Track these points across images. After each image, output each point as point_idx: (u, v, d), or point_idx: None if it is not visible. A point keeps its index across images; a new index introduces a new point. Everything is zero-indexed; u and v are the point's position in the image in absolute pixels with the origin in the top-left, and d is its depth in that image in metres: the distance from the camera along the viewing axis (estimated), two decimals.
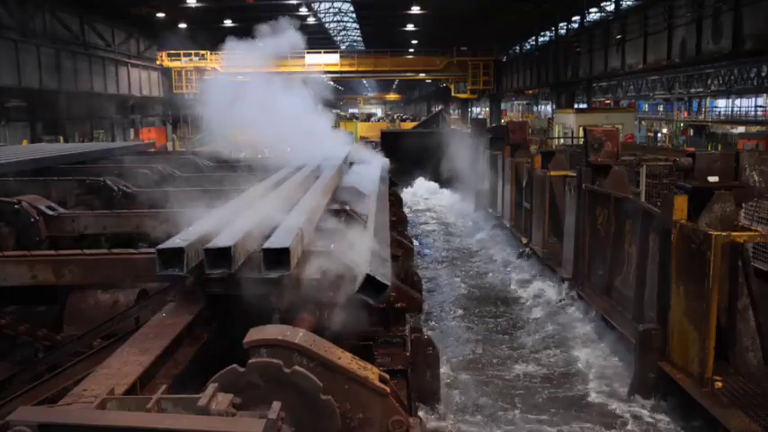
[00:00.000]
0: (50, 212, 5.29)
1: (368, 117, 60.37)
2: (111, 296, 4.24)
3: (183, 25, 36.03)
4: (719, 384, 6.35)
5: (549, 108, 45.25)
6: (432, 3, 34.42)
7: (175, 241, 3.40)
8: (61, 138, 26.33)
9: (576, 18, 32.85)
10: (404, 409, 2.92)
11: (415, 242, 12.50)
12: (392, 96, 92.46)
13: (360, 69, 44.39)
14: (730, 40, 17.65)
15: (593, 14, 32.30)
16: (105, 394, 2.35)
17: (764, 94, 38.31)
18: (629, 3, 28.10)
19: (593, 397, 7.60)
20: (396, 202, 9.49)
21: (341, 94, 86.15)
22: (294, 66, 33.04)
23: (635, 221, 8.55)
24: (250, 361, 2.56)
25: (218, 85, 8.46)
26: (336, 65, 42.65)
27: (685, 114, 43.53)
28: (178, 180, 7.25)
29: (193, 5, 32.54)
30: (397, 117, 57.03)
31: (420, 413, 4.56)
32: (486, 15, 36.28)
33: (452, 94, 49.00)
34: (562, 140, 22.62)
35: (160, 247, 3.35)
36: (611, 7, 29.53)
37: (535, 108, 53.74)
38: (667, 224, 7.14)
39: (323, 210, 5.17)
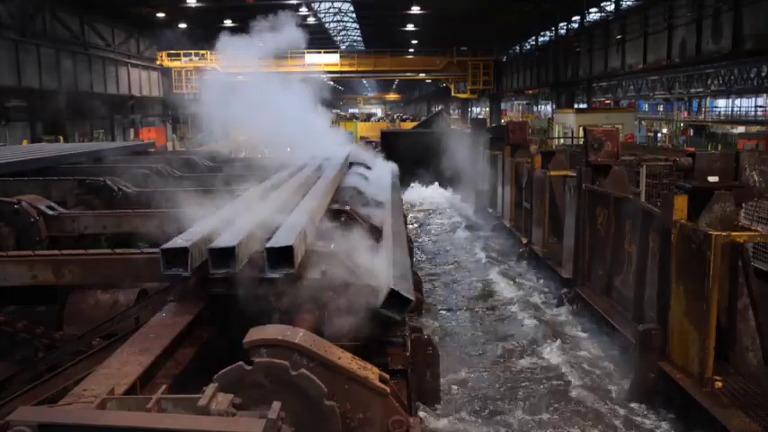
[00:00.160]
0: (50, 212, 5.29)
1: (368, 117, 60.38)
2: (111, 296, 4.24)
3: (183, 25, 36.04)
4: (719, 384, 6.35)
5: (549, 108, 45.27)
6: (432, 3, 34.44)
7: (179, 241, 3.40)
8: (61, 138, 26.35)
9: (576, 18, 32.87)
10: (404, 409, 2.92)
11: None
12: (392, 96, 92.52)
13: (360, 69, 44.40)
14: (730, 40, 17.66)
15: (593, 14, 32.32)
16: (105, 394, 2.35)
17: (764, 94, 38.33)
18: (629, 3, 28.12)
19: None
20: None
21: (341, 94, 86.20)
22: (294, 65, 33.06)
23: (635, 221, 8.55)
24: (257, 360, 2.56)
25: (216, 84, 8.47)
26: (336, 65, 42.66)
27: (685, 114, 43.56)
28: (178, 180, 7.26)
29: (193, 5, 32.56)
30: (397, 117, 57.03)
31: (420, 413, 4.56)
32: (486, 15, 36.30)
33: (452, 94, 49.03)
34: (562, 140, 22.63)
35: (164, 246, 3.35)
36: (611, 7, 29.55)
37: (535, 108, 53.77)
38: (667, 224, 7.14)
39: (325, 209, 5.18)
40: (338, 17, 50.60)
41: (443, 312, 10.79)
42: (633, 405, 7.26)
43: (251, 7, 33.11)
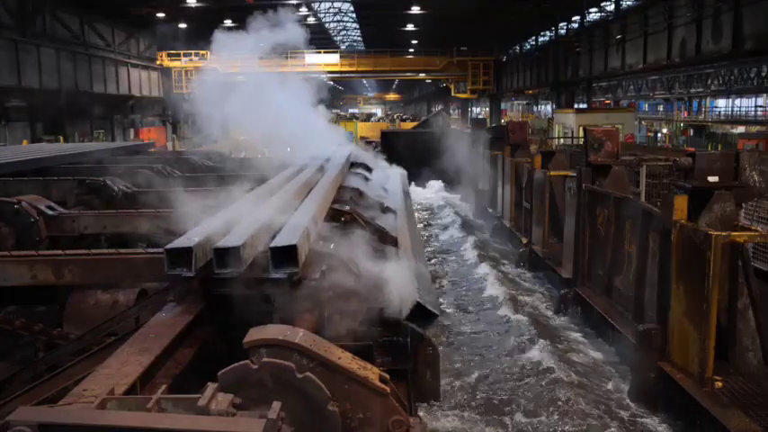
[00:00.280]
0: (50, 212, 5.30)
1: (368, 117, 60.41)
2: (111, 296, 4.25)
3: (183, 25, 36.03)
4: (719, 384, 6.35)
5: (549, 108, 45.27)
6: (432, 3, 34.43)
7: (183, 241, 3.40)
8: (61, 138, 26.34)
9: (576, 18, 32.87)
10: (404, 409, 2.92)
11: None
12: (392, 96, 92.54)
13: (360, 69, 44.40)
14: (730, 40, 17.66)
15: (593, 14, 32.31)
16: (105, 394, 2.35)
17: (764, 94, 38.31)
18: (629, 3, 28.11)
19: None
20: None
21: (341, 93, 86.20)
22: (294, 65, 33.04)
23: (635, 221, 8.55)
24: (264, 360, 2.56)
25: (214, 83, 8.46)
26: (336, 65, 42.65)
27: (685, 114, 43.54)
28: (178, 180, 7.26)
29: (193, 5, 32.55)
30: (397, 117, 57.06)
31: (420, 413, 4.56)
32: (486, 15, 36.30)
33: (452, 94, 49.03)
34: (562, 140, 22.62)
35: (168, 246, 3.35)
36: (611, 7, 29.54)
37: (535, 108, 53.76)
38: (667, 224, 7.14)
39: (327, 210, 5.18)
40: (338, 17, 50.60)
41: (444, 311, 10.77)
42: (633, 405, 7.26)
43: (251, 7, 33.10)
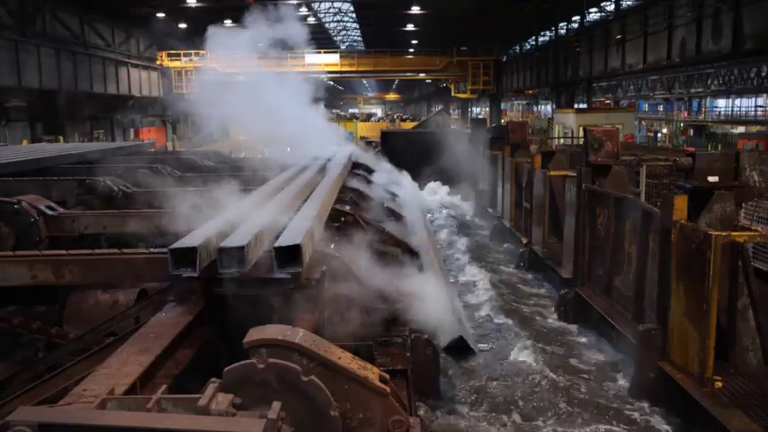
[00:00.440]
0: (50, 212, 5.30)
1: (368, 117, 60.46)
2: (111, 296, 4.25)
3: (183, 25, 36.02)
4: (719, 384, 6.35)
5: (549, 108, 45.28)
6: (432, 3, 34.41)
7: (187, 241, 3.40)
8: (61, 138, 26.34)
9: (576, 18, 32.85)
10: (404, 409, 2.92)
11: None
12: (392, 96, 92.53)
13: (360, 69, 44.38)
14: (730, 40, 17.65)
15: (593, 14, 32.31)
16: (105, 394, 2.35)
17: (764, 94, 38.35)
18: (629, 3, 28.11)
19: None
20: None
21: (341, 93, 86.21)
22: (294, 65, 33.03)
23: (635, 221, 8.55)
24: (270, 360, 2.56)
25: (213, 83, 8.46)
26: (336, 65, 42.64)
27: (685, 114, 43.57)
28: (178, 180, 7.26)
29: (193, 5, 32.52)
30: (397, 117, 57.09)
31: (420, 413, 4.56)
32: (486, 15, 36.28)
33: (452, 94, 49.01)
34: (562, 140, 22.62)
35: (173, 246, 3.35)
36: (611, 7, 29.54)
37: (535, 108, 53.77)
38: (667, 224, 7.14)
39: (329, 209, 5.19)
40: (338, 17, 50.59)
41: None
42: (633, 405, 7.25)
43: (251, 7, 33.07)
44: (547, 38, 38.05)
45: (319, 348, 2.77)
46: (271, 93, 8.45)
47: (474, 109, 62.43)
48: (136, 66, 38.28)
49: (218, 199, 4.99)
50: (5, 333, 4.04)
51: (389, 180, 9.56)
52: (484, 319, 10.13)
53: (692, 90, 40.09)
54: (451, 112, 60.03)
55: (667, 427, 6.78)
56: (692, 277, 6.63)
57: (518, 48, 44.90)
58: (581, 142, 12.57)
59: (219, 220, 3.98)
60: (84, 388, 2.52)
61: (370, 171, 9.94)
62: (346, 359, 2.82)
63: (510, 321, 10.01)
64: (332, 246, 4.19)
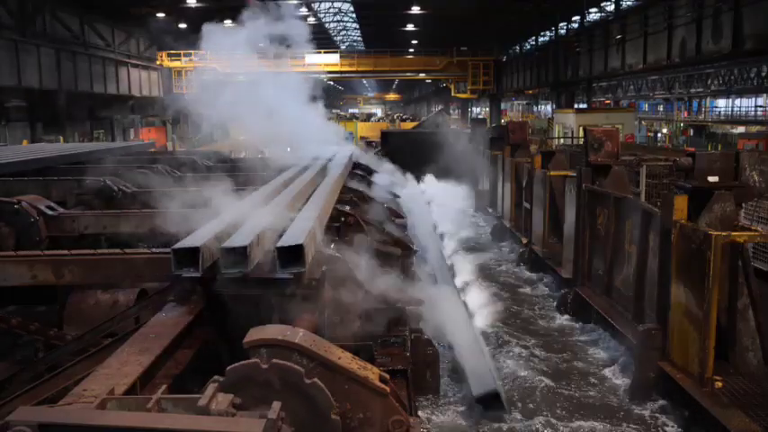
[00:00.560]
0: (50, 212, 5.29)
1: (368, 117, 60.42)
2: (111, 296, 4.24)
3: (183, 25, 36.02)
4: (719, 384, 6.35)
5: (549, 108, 45.26)
6: (432, 3, 34.41)
7: (190, 240, 3.40)
8: (61, 138, 26.33)
9: (576, 18, 32.84)
10: (404, 409, 2.92)
11: None
12: (392, 96, 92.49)
13: (360, 69, 44.37)
14: (730, 40, 17.64)
15: (594, 14, 32.30)
16: (105, 394, 2.35)
17: (764, 94, 38.33)
18: (629, 3, 28.11)
19: None
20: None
21: (341, 94, 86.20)
22: (294, 65, 33.01)
23: (635, 221, 8.55)
24: (273, 360, 2.55)
25: (213, 83, 8.45)
26: (336, 65, 42.63)
27: (685, 114, 43.56)
28: (178, 180, 7.25)
29: (193, 5, 32.52)
30: (397, 117, 57.05)
31: (420, 413, 4.56)
32: (486, 15, 36.27)
33: (452, 94, 48.99)
34: (562, 140, 22.62)
35: (175, 246, 3.35)
36: (611, 7, 29.53)
37: (535, 108, 53.75)
38: (667, 224, 7.14)
39: (331, 209, 5.19)
40: (338, 17, 50.59)
41: None
42: (633, 405, 7.25)
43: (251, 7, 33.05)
44: (547, 38, 38.04)
45: (319, 348, 2.77)
46: (271, 93, 8.44)
47: (474, 109, 62.41)
48: (136, 66, 38.28)
49: (218, 199, 4.99)
50: (5, 333, 4.04)
51: (391, 181, 9.55)
52: (484, 317, 10.14)
53: (692, 90, 40.07)
54: (451, 112, 60.02)
55: (667, 427, 6.78)
56: (692, 277, 6.63)
57: (518, 48, 44.89)
58: (581, 142, 12.57)
59: (221, 220, 3.98)
60: (84, 388, 2.51)
61: (370, 172, 9.94)
62: (346, 359, 2.82)
63: (510, 321, 10.01)
64: (332, 246, 4.19)
